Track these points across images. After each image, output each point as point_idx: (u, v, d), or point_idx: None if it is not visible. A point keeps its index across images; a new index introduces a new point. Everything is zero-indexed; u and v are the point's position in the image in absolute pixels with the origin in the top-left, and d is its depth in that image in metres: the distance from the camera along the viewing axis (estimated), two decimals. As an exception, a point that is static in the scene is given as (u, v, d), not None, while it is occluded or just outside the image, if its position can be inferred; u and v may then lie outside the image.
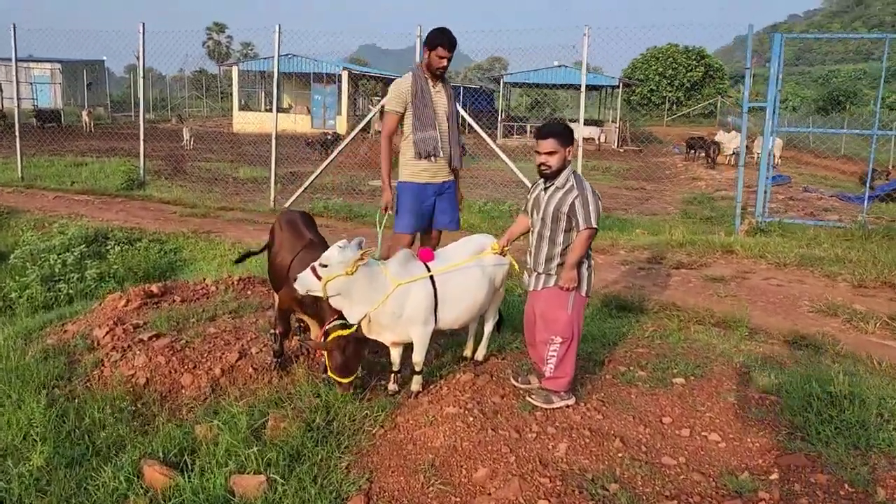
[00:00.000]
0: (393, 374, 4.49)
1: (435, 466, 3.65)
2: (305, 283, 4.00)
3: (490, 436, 3.81)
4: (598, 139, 32.19)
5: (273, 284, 5.01)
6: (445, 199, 5.30)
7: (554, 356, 4.06)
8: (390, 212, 5.07)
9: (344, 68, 37.07)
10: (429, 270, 4.30)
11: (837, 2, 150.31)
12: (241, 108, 38.85)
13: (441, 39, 4.97)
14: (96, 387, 4.64)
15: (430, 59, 5.02)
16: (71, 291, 7.17)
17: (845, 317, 6.28)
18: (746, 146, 25.26)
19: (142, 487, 3.65)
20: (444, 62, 5.02)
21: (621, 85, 35.69)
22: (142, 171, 13.98)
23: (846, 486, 3.29)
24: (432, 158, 5.10)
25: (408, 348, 4.46)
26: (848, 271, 7.74)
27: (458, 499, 3.43)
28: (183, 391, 4.65)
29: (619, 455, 3.64)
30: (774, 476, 3.36)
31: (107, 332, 5.22)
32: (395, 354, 4.45)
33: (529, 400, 4.14)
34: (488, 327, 4.89)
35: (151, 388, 4.65)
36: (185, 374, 4.73)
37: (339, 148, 12.30)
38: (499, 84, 37.49)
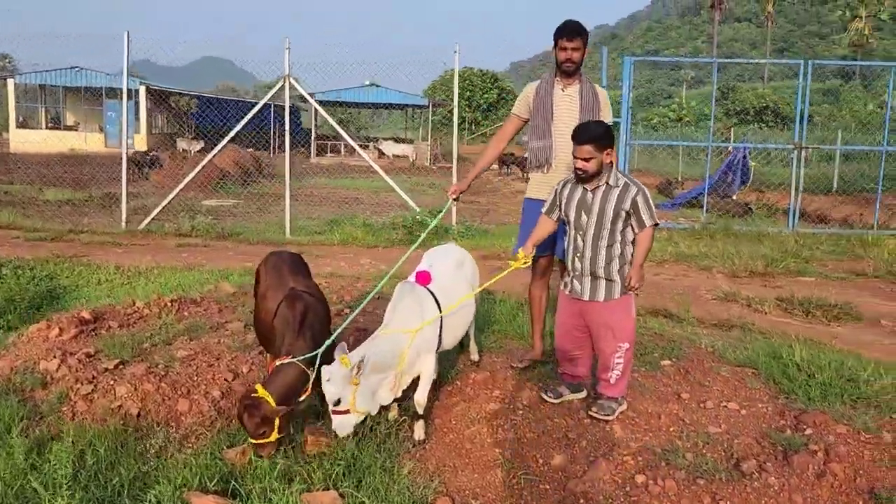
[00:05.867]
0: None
1: (508, 460, 3.70)
2: (347, 425, 3.67)
3: (549, 425, 3.95)
4: (411, 156, 33.15)
5: (260, 339, 4.37)
6: None
7: (621, 362, 4.02)
8: (452, 198, 4.89)
9: (141, 83, 34.73)
10: (432, 294, 4.14)
11: (596, 34, 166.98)
12: (20, 126, 34.93)
13: (559, 31, 4.57)
14: (77, 423, 4.09)
15: (556, 57, 4.64)
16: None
17: (743, 302, 7.16)
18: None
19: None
20: (569, 54, 4.55)
21: (431, 105, 36.93)
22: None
23: (862, 433, 3.83)
24: (545, 170, 4.71)
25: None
26: (718, 264, 8.80)
27: (548, 486, 3.52)
28: (182, 418, 4.24)
29: (671, 429, 3.95)
30: (809, 431, 3.83)
31: (59, 365, 4.60)
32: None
33: (595, 416, 4.02)
34: (471, 329, 4.97)
35: (147, 418, 4.19)
36: (180, 400, 4.32)
37: (206, 160, 11.56)
38: (305, 102, 37.15)
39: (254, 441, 3.63)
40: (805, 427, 3.88)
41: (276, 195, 18.89)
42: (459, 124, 50.75)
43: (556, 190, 4.20)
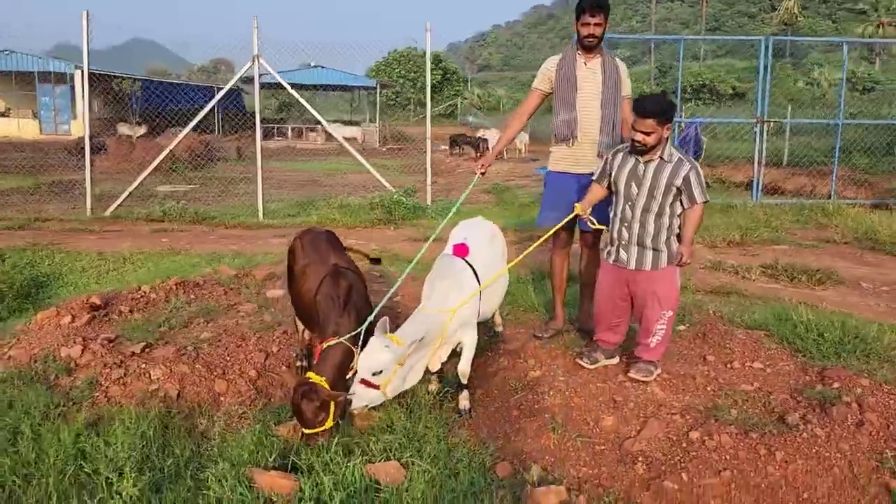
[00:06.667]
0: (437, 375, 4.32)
1: (560, 424, 3.80)
2: (366, 399, 3.67)
3: (594, 389, 4.06)
4: (360, 139, 32.87)
5: (299, 315, 4.38)
6: None
7: (663, 329, 4.13)
8: (480, 172, 4.92)
9: (76, 66, 33.37)
10: (469, 265, 4.18)
11: (533, 14, 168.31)
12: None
13: (581, 6, 4.63)
14: (115, 407, 4.00)
15: (578, 32, 4.70)
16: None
17: (730, 270, 7.43)
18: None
19: (260, 495, 3.31)
20: (592, 29, 4.62)
21: (378, 86, 36.62)
22: None
23: (884, 385, 4.07)
24: (570, 143, 4.77)
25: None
26: (697, 236, 9.05)
27: (604, 446, 3.64)
28: (221, 398, 4.21)
29: (708, 388, 4.11)
30: (836, 385, 4.04)
31: (82, 351, 4.49)
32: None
33: (634, 377, 4.16)
34: None
35: (186, 399, 4.14)
36: (217, 381, 4.28)
37: (173, 144, 11.28)
38: (248, 84, 36.37)
39: (308, 431, 3.59)
40: (831, 381, 4.09)
41: (232, 179, 18.54)
42: (405, 105, 50.63)
43: (608, 158, 4.28)
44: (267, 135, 35.23)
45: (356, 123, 37.72)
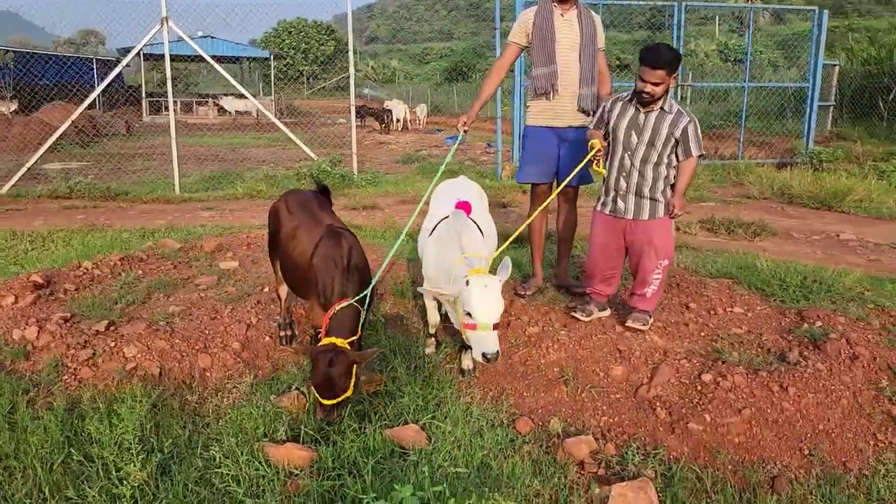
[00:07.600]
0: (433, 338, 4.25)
1: (571, 376, 3.78)
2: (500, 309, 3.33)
3: (597, 341, 4.06)
4: (255, 113, 31.67)
5: (289, 281, 4.04)
6: (569, 148, 4.68)
7: (658, 278, 4.16)
8: (461, 130, 4.72)
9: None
10: (475, 223, 3.99)
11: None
12: None
13: None
14: (90, 389, 3.65)
15: None
16: None
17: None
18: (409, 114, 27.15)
19: (279, 469, 3.12)
20: None
21: (272, 57, 35.35)
22: None
23: (858, 321, 4.29)
24: (550, 96, 4.69)
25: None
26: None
27: (619, 395, 3.65)
28: (207, 374, 3.93)
29: (701, 334, 4.20)
30: (819, 324, 4.23)
31: (38, 332, 4.07)
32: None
33: (632, 326, 4.16)
34: None
35: (169, 377, 3.83)
36: (199, 356, 3.99)
37: (73, 116, 10.44)
38: (124, 56, 34.27)
39: (328, 402, 3.27)
40: (813, 321, 4.28)
41: (126, 155, 17.40)
42: (297, 78, 49.08)
43: (605, 106, 4.23)
44: (154, 110, 33.40)
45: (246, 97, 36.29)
